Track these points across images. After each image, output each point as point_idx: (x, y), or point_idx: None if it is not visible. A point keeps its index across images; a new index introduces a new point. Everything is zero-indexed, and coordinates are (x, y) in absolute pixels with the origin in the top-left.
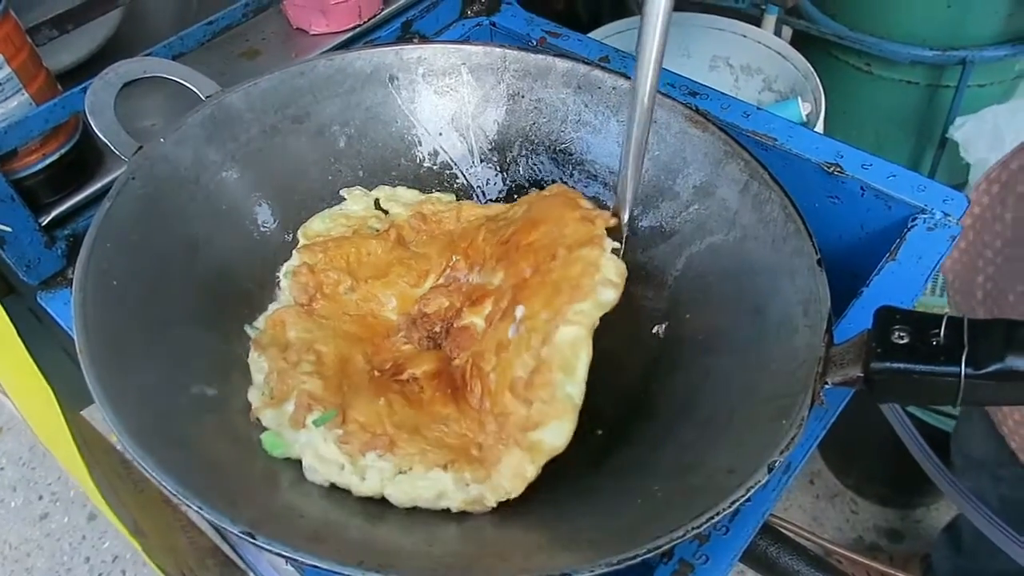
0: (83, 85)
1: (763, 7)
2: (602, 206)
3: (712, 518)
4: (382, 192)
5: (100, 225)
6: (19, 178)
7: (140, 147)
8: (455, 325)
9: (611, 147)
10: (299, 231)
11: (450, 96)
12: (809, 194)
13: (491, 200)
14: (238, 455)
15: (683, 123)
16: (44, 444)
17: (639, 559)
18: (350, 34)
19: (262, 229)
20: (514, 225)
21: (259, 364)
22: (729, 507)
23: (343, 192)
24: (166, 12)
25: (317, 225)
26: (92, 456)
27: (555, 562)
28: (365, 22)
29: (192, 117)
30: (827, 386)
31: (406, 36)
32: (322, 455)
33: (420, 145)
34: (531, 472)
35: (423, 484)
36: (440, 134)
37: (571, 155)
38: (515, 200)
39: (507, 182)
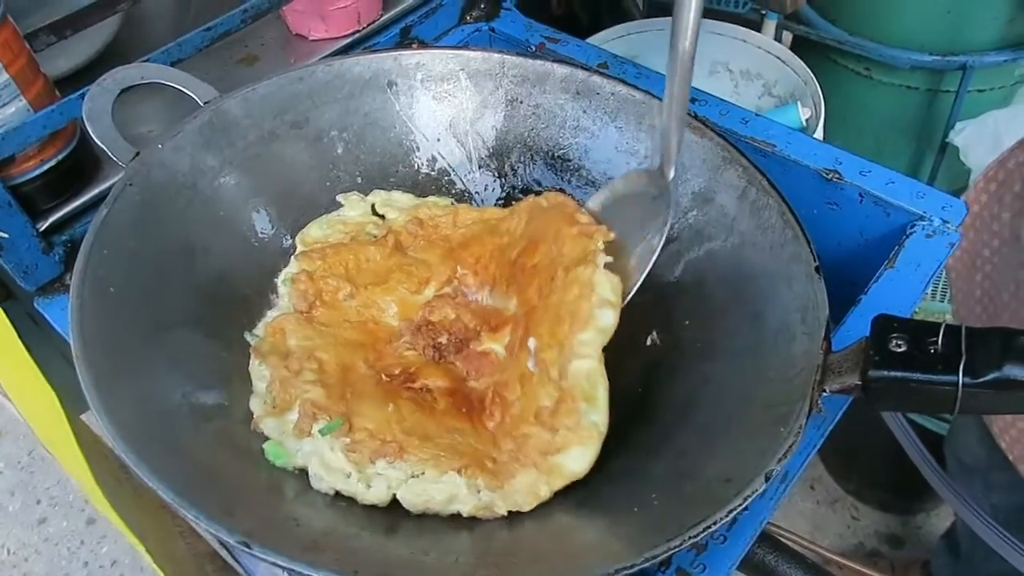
0: (81, 91)
1: (763, 12)
2: None
3: (709, 527)
4: (378, 197)
5: (97, 231)
6: (17, 184)
7: (137, 153)
8: (473, 348)
9: (609, 153)
10: (297, 237)
11: (448, 102)
12: (807, 201)
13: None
14: (235, 463)
15: None
16: (47, 447)
17: (636, 568)
18: (349, 40)
19: (260, 235)
20: (518, 245)
21: (260, 372)
22: (726, 516)
23: (340, 198)
24: (164, 18)
25: (315, 231)
26: (91, 460)
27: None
28: (364, 28)
29: (190, 123)
30: (825, 394)
31: (405, 42)
32: (328, 463)
33: (418, 151)
34: (545, 492)
35: (436, 487)
36: (438, 140)
37: (569, 161)
38: (512, 205)
39: (505, 188)
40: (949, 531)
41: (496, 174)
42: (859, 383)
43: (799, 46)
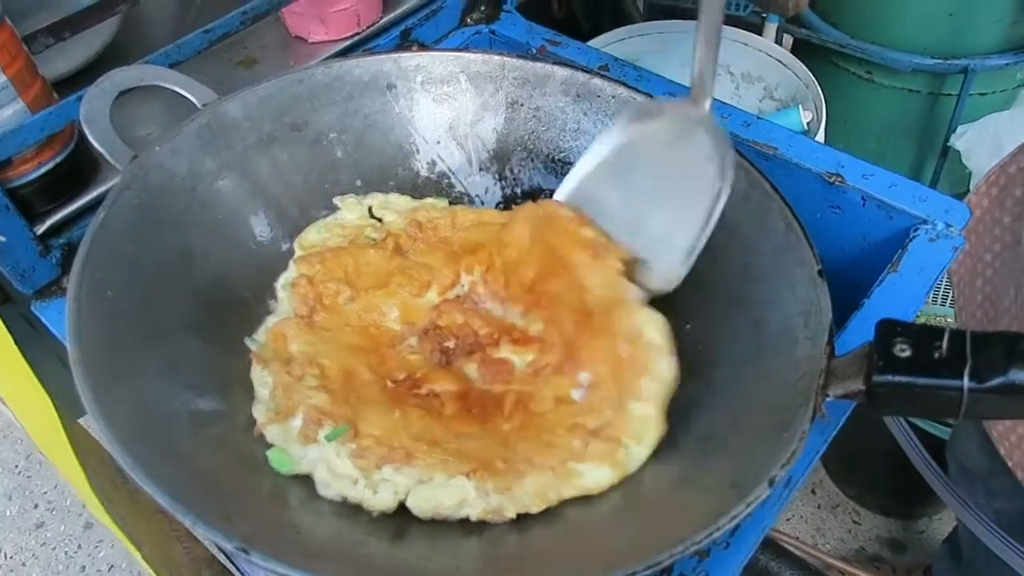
0: (78, 94)
1: (764, 15)
2: None
3: (712, 533)
4: (375, 200)
5: (95, 235)
6: (14, 187)
7: (136, 156)
8: (489, 354)
9: None
10: (295, 242)
11: (448, 104)
12: (810, 204)
13: None
14: (234, 468)
15: None
16: (43, 452)
17: (638, 574)
18: (349, 42)
19: (258, 239)
20: (530, 264)
21: (263, 379)
22: (729, 522)
23: (336, 200)
24: (163, 20)
25: (313, 235)
26: (88, 465)
27: None
28: (364, 30)
29: (188, 126)
30: (828, 399)
31: (405, 44)
32: (335, 470)
33: (418, 153)
34: (554, 496)
35: (445, 491)
36: (438, 142)
37: (570, 164)
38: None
39: (505, 191)
40: (951, 536)
41: (496, 177)
42: (863, 388)
43: (800, 49)
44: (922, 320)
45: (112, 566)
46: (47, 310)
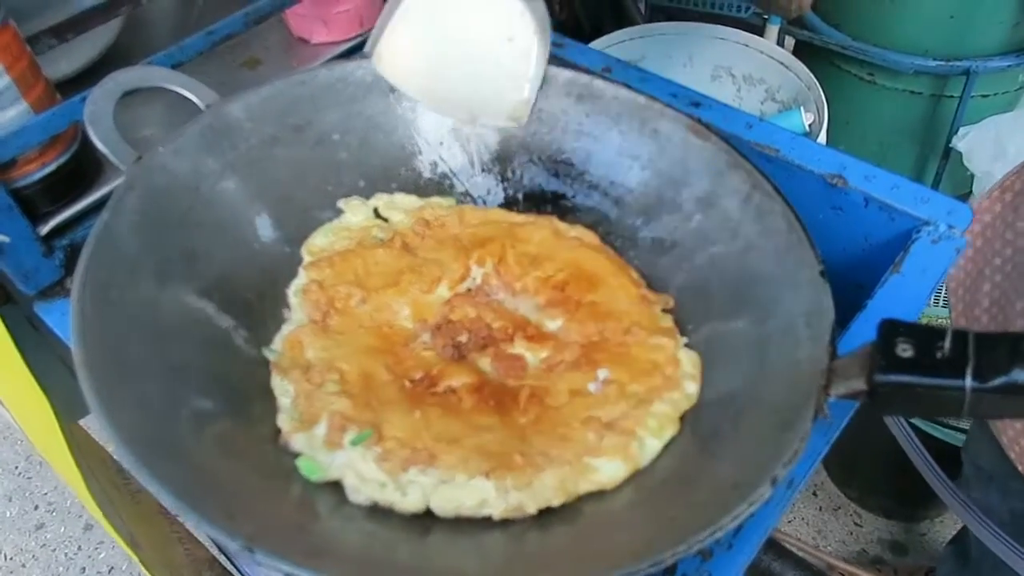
0: (82, 95)
1: (766, 17)
2: (603, 217)
3: (715, 533)
4: (380, 200)
5: (99, 235)
6: (17, 187)
7: (139, 157)
8: (503, 349)
9: (611, 157)
10: (303, 248)
11: None
12: (812, 205)
13: None
14: (236, 467)
15: (685, 133)
16: (41, 454)
17: (640, 574)
18: (351, 43)
19: (262, 239)
20: (560, 267)
21: (284, 388)
22: (731, 521)
23: (340, 204)
24: (166, 21)
25: (320, 240)
26: (89, 467)
27: None
28: (366, 31)
29: (191, 127)
30: (831, 399)
31: None
32: (363, 474)
33: (421, 155)
34: (572, 490)
35: (465, 492)
36: (441, 144)
37: (572, 166)
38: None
39: (507, 192)
40: (957, 537)
41: (499, 178)
42: (865, 388)
43: (802, 51)
44: (924, 321)
45: (112, 567)
46: (50, 311)
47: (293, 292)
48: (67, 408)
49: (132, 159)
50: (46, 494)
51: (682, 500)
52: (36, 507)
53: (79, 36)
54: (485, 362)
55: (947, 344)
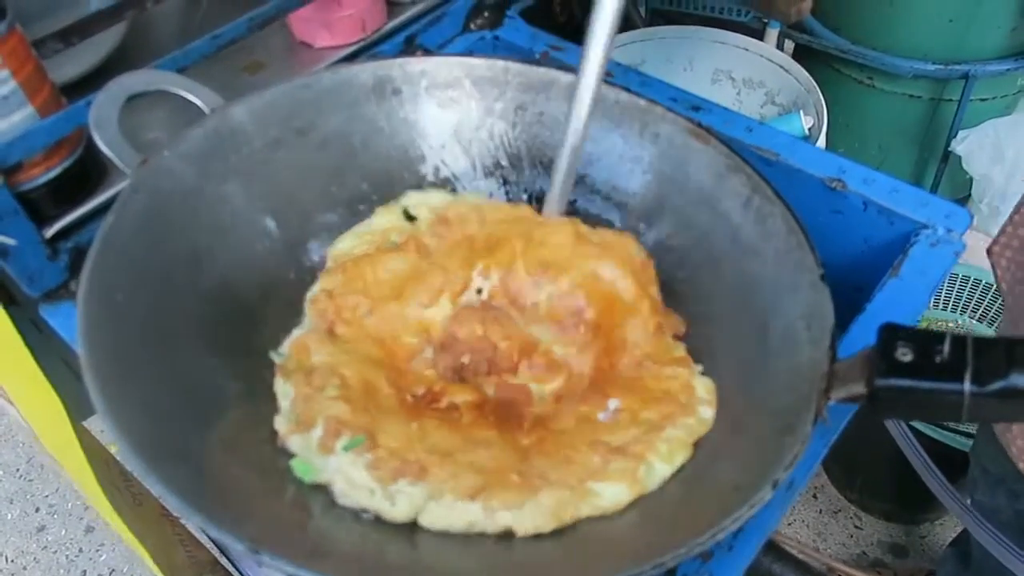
0: (87, 99)
1: (765, 21)
2: (604, 222)
3: (716, 534)
4: (412, 199)
5: (104, 238)
6: (23, 191)
7: (144, 160)
8: (506, 379)
9: (613, 161)
10: (327, 252)
11: (453, 109)
12: (812, 209)
13: None
14: (242, 470)
15: (686, 137)
16: (51, 454)
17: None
18: (354, 47)
19: (265, 242)
20: (576, 286)
21: (285, 390)
22: (732, 523)
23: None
24: (170, 25)
25: (343, 244)
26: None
27: None
28: (369, 36)
29: (195, 130)
30: (830, 402)
31: (409, 50)
32: (353, 480)
33: (423, 157)
34: (569, 517)
35: (453, 514)
36: (443, 147)
37: None
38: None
39: (510, 196)
40: (958, 539)
41: (501, 182)
42: (865, 391)
43: (801, 55)
44: (925, 325)
45: (113, 570)
46: (55, 313)
47: (308, 299)
48: (70, 410)
49: (137, 163)
50: (47, 496)
51: (683, 502)
52: (37, 509)
53: (84, 40)
54: (490, 387)
55: (946, 348)
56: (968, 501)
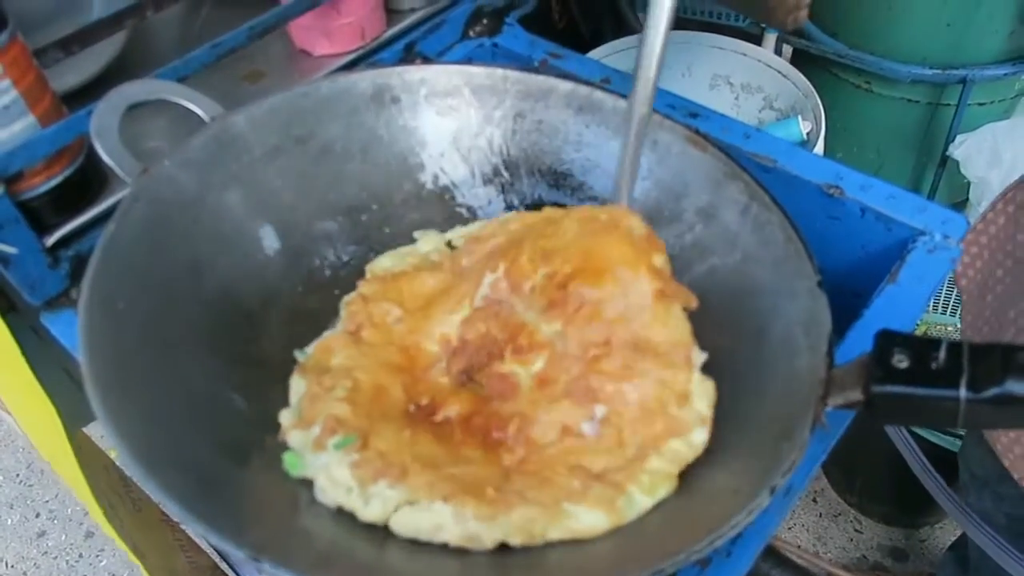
0: (88, 108)
1: (763, 26)
2: None
3: (713, 541)
4: (455, 232)
5: (105, 247)
6: (24, 199)
7: (144, 169)
8: (495, 369)
9: (611, 168)
10: (367, 267)
11: (452, 117)
12: (809, 215)
13: None
14: (243, 476)
15: (684, 145)
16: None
17: None
18: (353, 55)
19: (266, 250)
20: (567, 259)
21: (298, 387)
22: (730, 530)
23: (416, 234)
24: (170, 34)
25: (385, 262)
26: (91, 474)
27: None
28: (368, 44)
29: (196, 139)
30: (828, 408)
31: (409, 57)
32: (334, 477)
33: (422, 165)
34: (539, 533)
35: (423, 515)
36: (442, 155)
37: (572, 177)
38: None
39: (507, 203)
40: (957, 543)
41: (500, 190)
42: (862, 398)
43: (799, 59)
44: (923, 328)
45: (113, 575)
46: (56, 321)
47: (343, 303)
48: (70, 416)
49: (138, 171)
50: (47, 502)
51: (679, 508)
52: (38, 515)
53: (85, 49)
54: (484, 384)
55: (942, 355)
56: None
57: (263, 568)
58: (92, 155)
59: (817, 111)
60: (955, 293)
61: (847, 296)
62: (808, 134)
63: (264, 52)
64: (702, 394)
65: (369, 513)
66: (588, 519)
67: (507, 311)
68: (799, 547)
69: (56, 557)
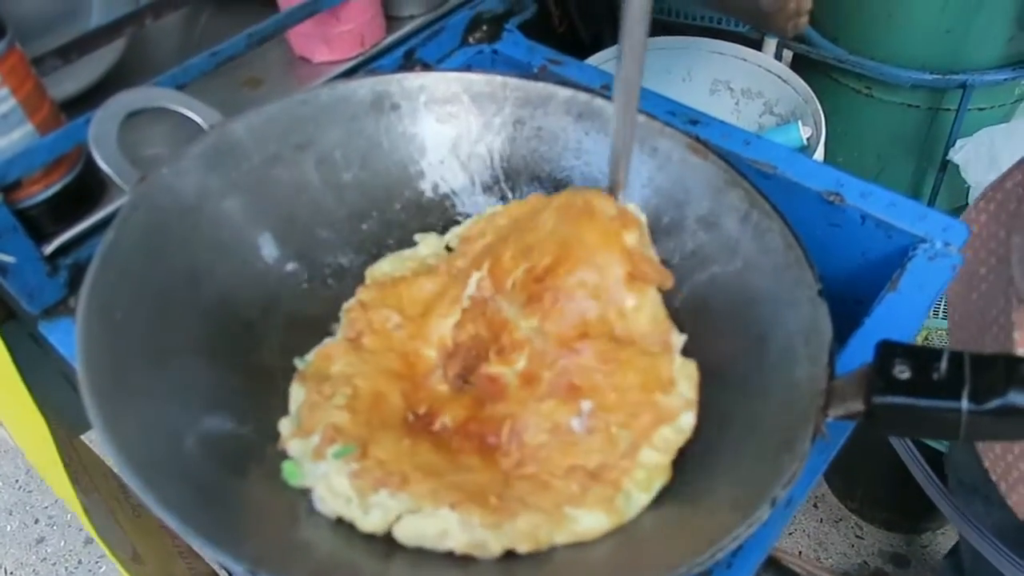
0: (86, 116)
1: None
2: None
3: (714, 554)
4: (451, 232)
5: (104, 255)
6: (22, 208)
7: (143, 177)
8: (483, 370)
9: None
10: (367, 272)
11: (451, 124)
12: (810, 223)
13: None
14: (241, 487)
15: (684, 152)
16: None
17: None
18: (353, 63)
19: (265, 258)
20: (546, 251)
21: (297, 396)
22: (731, 542)
23: (416, 237)
24: (169, 41)
25: (385, 267)
26: (91, 480)
27: None
28: (368, 51)
29: (194, 147)
30: (829, 419)
31: (408, 64)
32: (333, 487)
33: (422, 173)
34: (544, 539)
35: (428, 522)
36: (441, 162)
37: (572, 183)
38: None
39: None
40: (953, 550)
41: (499, 196)
42: (863, 409)
43: (800, 65)
44: (924, 333)
45: None
46: (54, 330)
47: (343, 310)
48: (69, 424)
49: (136, 179)
50: (46, 508)
51: (679, 521)
52: (37, 521)
53: (83, 57)
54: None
55: (943, 366)
56: None
57: None
58: (91, 163)
59: (817, 116)
60: None
61: (848, 303)
62: (808, 139)
63: (263, 59)
64: (685, 377)
65: (369, 523)
66: (589, 521)
67: (492, 310)
68: (800, 554)
69: (55, 563)
